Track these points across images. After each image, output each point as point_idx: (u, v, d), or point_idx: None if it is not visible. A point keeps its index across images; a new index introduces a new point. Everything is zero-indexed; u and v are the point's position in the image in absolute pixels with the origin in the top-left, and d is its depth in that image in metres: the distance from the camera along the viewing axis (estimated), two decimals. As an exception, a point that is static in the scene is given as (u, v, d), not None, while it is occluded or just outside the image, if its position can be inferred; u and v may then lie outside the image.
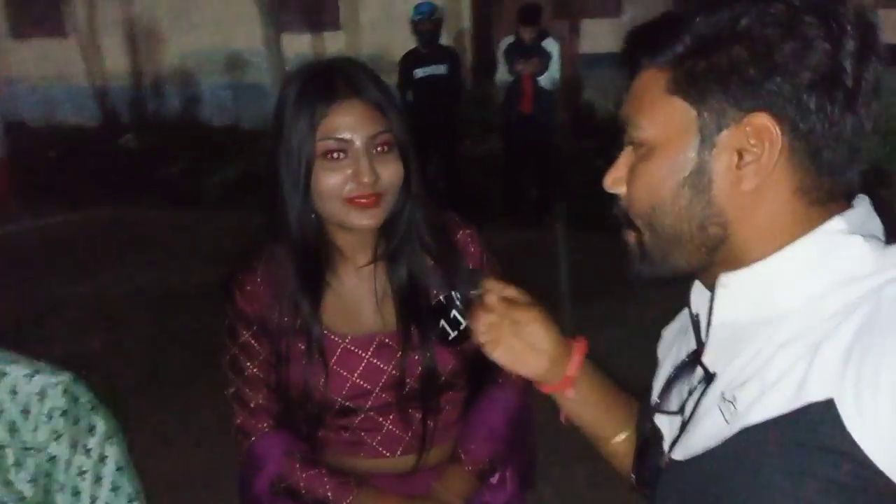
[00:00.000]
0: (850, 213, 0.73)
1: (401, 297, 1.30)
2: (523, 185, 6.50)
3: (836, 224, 0.72)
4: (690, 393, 0.79)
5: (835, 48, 0.69)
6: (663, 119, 0.75)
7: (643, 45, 0.77)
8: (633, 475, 0.89)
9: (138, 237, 6.54)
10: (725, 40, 0.71)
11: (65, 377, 0.99)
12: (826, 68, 0.69)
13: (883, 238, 0.74)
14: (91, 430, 0.99)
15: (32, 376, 0.97)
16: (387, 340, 1.29)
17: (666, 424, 0.83)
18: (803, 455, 0.66)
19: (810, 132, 0.71)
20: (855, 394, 0.64)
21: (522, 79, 6.05)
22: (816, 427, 0.65)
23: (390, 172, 1.22)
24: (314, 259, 1.28)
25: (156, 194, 7.74)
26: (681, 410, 0.80)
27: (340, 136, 1.19)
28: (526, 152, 6.22)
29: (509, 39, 6.26)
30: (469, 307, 0.98)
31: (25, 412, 0.96)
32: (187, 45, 10.58)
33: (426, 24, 6.09)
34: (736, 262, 0.75)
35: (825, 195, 0.73)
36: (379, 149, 1.21)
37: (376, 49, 9.46)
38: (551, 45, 6.11)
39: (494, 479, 1.35)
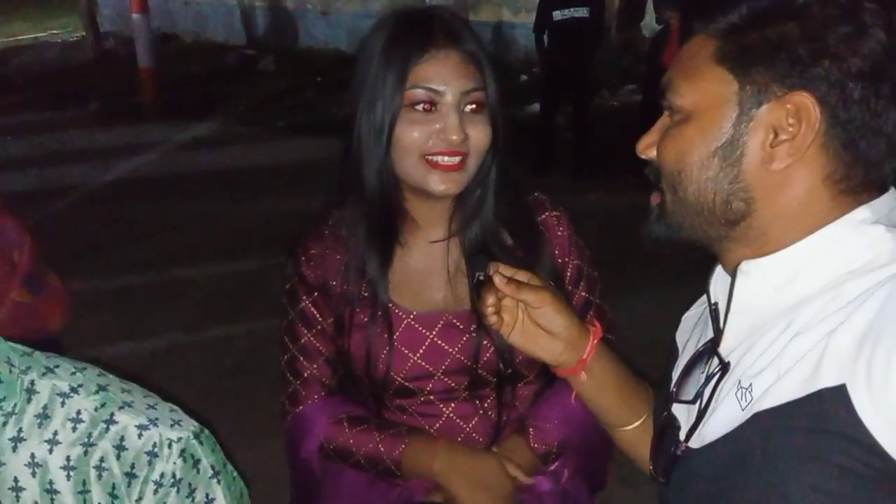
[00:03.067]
0: (875, 203, 0.73)
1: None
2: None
3: (861, 213, 0.72)
4: (706, 382, 0.78)
5: (890, 40, 0.69)
6: (705, 87, 0.74)
7: (700, 11, 0.76)
8: (650, 464, 0.87)
9: (266, 161, 6.70)
10: (780, 15, 0.70)
11: (186, 432, 0.80)
12: (877, 59, 0.69)
13: None
14: (209, 502, 0.81)
15: (146, 428, 0.78)
16: (454, 321, 1.20)
17: (683, 413, 0.82)
18: (814, 440, 0.66)
19: (849, 122, 0.70)
20: (867, 380, 0.64)
21: (671, 28, 5.67)
22: (828, 413, 0.65)
23: (479, 134, 1.13)
24: (386, 224, 1.19)
25: (288, 118, 7.91)
26: (696, 399, 0.79)
27: (432, 87, 1.11)
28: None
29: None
30: (479, 289, 0.97)
31: (131, 476, 0.77)
32: (333, -30, 10.63)
33: None
34: (755, 242, 0.75)
35: (857, 186, 0.73)
36: (470, 107, 1.13)
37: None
38: (708, -6, 5.67)
39: (552, 467, 1.24)
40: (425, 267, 1.22)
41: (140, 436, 0.78)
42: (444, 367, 1.20)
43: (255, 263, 4.49)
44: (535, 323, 0.95)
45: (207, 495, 0.81)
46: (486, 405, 1.23)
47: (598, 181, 5.63)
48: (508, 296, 0.94)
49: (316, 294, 1.22)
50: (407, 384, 1.20)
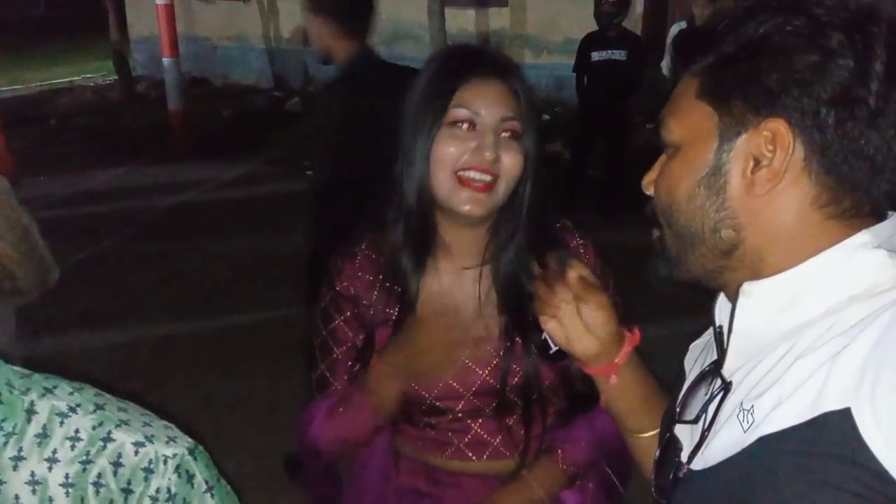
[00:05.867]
0: (877, 228, 0.73)
1: (506, 303, 1.26)
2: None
3: (862, 238, 0.73)
4: (709, 402, 0.79)
5: (859, 66, 0.70)
6: (689, 122, 0.78)
7: (683, 53, 0.81)
8: (652, 486, 0.88)
9: (294, 199, 6.79)
10: (751, 49, 0.73)
11: (181, 448, 0.82)
12: (848, 85, 0.70)
13: None
14: None
15: (143, 445, 0.80)
16: (485, 345, 1.26)
17: (686, 434, 0.83)
18: (819, 464, 0.66)
19: (827, 147, 0.71)
20: (872, 403, 0.64)
21: (692, 69, 5.72)
22: (832, 436, 0.65)
23: (511, 160, 1.20)
24: (423, 241, 1.25)
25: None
26: (698, 418, 0.80)
27: (472, 108, 1.19)
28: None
29: (681, 25, 5.93)
30: (549, 276, 1.02)
31: (127, 491, 0.79)
32: (358, 15, 10.85)
33: (607, 6, 5.80)
34: (751, 269, 0.77)
35: (847, 210, 0.74)
36: (505, 134, 1.20)
37: (540, 28, 9.30)
38: (727, 35, 5.71)
39: (577, 484, 1.32)
40: (456, 294, 1.27)
41: (136, 453, 0.80)
42: (474, 388, 1.26)
43: (287, 302, 4.54)
44: (580, 319, 0.99)
45: None
46: (511, 421, 1.29)
47: (622, 218, 5.65)
48: (574, 291, 0.99)
49: (349, 313, 1.28)
50: (437, 403, 1.26)
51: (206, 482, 0.83)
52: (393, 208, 1.25)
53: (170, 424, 0.85)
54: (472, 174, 1.18)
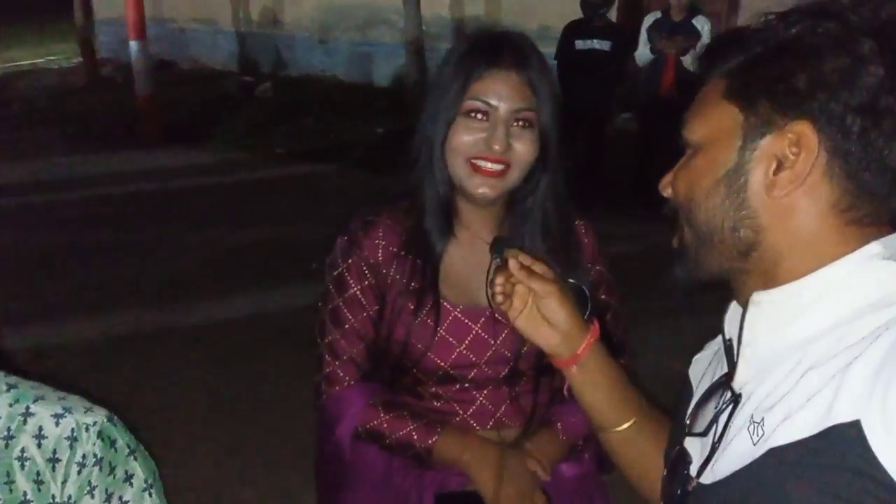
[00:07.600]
0: (888, 239, 0.73)
1: None
2: (656, 175, 6.14)
3: (873, 248, 0.72)
4: (718, 414, 0.79)
5: (888, 75, 0.69)
6: (713, 121, 0.78)
7: (714, 56, 0.81)
8: (661, 501, 0.88)
9: (264, 187, 6.70)
10: (781, 50, 0.74)
11: (99, 416, 0.85)
12: (875, 94, 0.70)
13: None
14: (128, 478, 0.86)
15: (62, 416, 0.83)
16: (497, 316, 1.31)
17: (695, 448, 0.83)
18: (828, 476, 0.65)
19: (850, 154, 0.71)
20: (882, 416, 0.63)
21: (666, 58, 5.71)
22: (842, 448, 0.65)
23: (524, 148, 1.26)
24: (446, 219, 1.32)
25: (285, 145, 7.92)
26: (707, 431, 0.80)
27: (486, 100, 1.25)
28: (662, 140, 5.87)
29: (656, 14, 5.93)
30: (497, 274, 1.03)
31: (54, 461, 0.81)
32: (330, -1, 10.72)
33: None
34: (769, 272, 0.76)
35: (865, 217, 0.73)
36: (519, 123, 1.26)
37: (515, 15, 9.24)
38: (701, 23, 5.74)
39: (575, 456, 1.38)
40: (472, 265, 1.33)
41: (57, 424, 0.82)
42: (486, 357, 1.32)
43: (254, 292, 4.47)
44: (540, 312, 1.00)
45: (126, 472, 0.86)
46: (516, 391, 1.34)
47: (600, 209, 5.64)
48: (519, 281, 1.00)
49: (367, 282, 1.32)
50: (452, 372, 1.31)
51: (129, 446, 0.86)
52: (411, 184, 1.32)
53: (82, 398, 0.87)
54: (484, 163, 1.26)
